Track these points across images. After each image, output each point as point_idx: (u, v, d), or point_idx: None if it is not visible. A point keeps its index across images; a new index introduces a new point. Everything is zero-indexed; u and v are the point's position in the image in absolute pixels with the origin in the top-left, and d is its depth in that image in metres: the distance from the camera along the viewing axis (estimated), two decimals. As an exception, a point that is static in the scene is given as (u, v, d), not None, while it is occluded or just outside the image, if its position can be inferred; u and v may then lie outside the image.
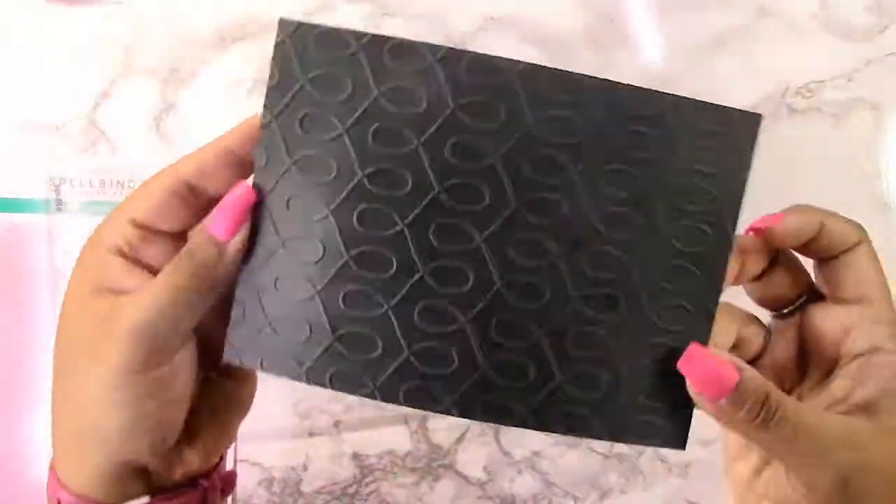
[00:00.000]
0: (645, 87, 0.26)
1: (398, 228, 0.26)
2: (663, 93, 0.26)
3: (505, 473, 0.49)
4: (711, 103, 0.26)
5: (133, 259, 0.27)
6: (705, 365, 0.25)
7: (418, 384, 0.26)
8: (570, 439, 0.49)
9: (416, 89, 0.26)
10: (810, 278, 0.29)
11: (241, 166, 0.27)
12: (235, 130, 0.28)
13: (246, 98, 0.49)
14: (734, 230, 0.26)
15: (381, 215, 0.26)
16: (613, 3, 0.52)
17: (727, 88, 0.51)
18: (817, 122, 0.51)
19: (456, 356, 0.26)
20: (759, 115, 0.26)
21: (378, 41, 0.26)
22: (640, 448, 0.49)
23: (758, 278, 0.29)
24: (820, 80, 0.51)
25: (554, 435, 0.49)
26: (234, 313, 0.27)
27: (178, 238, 0.28)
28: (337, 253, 0.26)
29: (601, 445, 0.49)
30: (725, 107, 0.26)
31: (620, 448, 0.49)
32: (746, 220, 0.28)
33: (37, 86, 0.49)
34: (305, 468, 0.48)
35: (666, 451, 0.49)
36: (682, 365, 0.26)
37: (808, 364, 0.29)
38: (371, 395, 0.27)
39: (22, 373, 0.48)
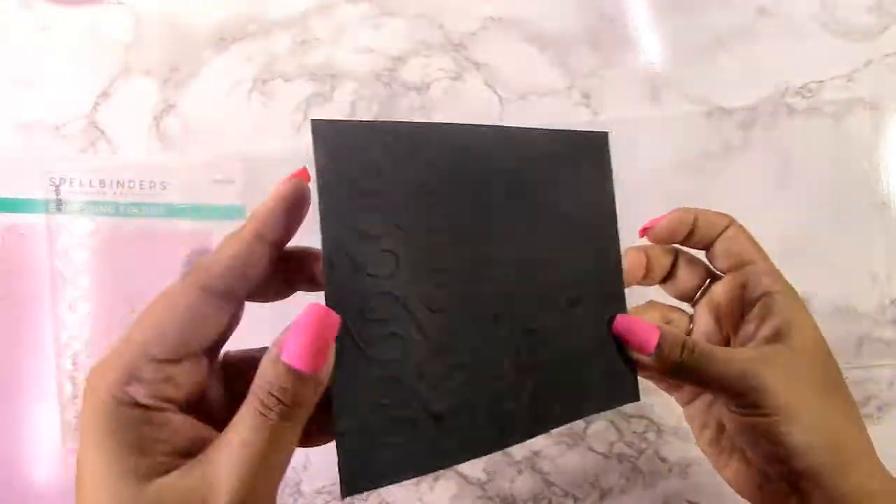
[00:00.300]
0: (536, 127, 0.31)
1: (473, 303, 0.28)
2: (560, 130, 0.32)
3: (505, 473, 0.49)
4: (584, 131, 0.33)
5: (175, 402, 0.23)
6: (634, 327, 0.32)
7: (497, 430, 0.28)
8: (570, 439, 0.49)
9: (461, 166, 0.28)
10: (707, 266, 0.35)
11: (274, 249, 0.25)
12: (261, 214, 0.24)
13: (246, 98, 0.49)
14: (616, 222, 0.33)
15: (457, 297, 0.27)
16: (613, 3, 0.52)
17: (727, 88, 0.51)
18: (817, 122, 0.51)
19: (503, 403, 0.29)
20: (607, 133, 0.34)
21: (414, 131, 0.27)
22: (640, 448, 0.49)
23: (667, 279, 0.35)
24: (820, 80, 0.51)
25: (554, 434, 0.49)
26: (339, 446, 0.24)
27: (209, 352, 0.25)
28: (437, 340, 0.27)
29: (601, 445, 0.49)
30: (590, 132, 0.33)
31: (620, 448, 0.49)
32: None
33: (37, 86, 0.49)
34: (305, 468, 0.48)
35: (666, 451, 0.49)
36: (617, 331, 0.32)
37: (727, 329, 0.34)
38: (498, 448, 0.28)
39: (22, 373, 0.48)
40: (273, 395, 0.22)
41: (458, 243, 0.27)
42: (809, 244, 0.49)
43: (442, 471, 0.49)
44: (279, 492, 0.51)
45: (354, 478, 0.24)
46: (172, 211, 0.48)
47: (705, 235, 0.33)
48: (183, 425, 0.23)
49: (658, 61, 0.51)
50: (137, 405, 0.22)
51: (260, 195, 0.48)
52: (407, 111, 0.50)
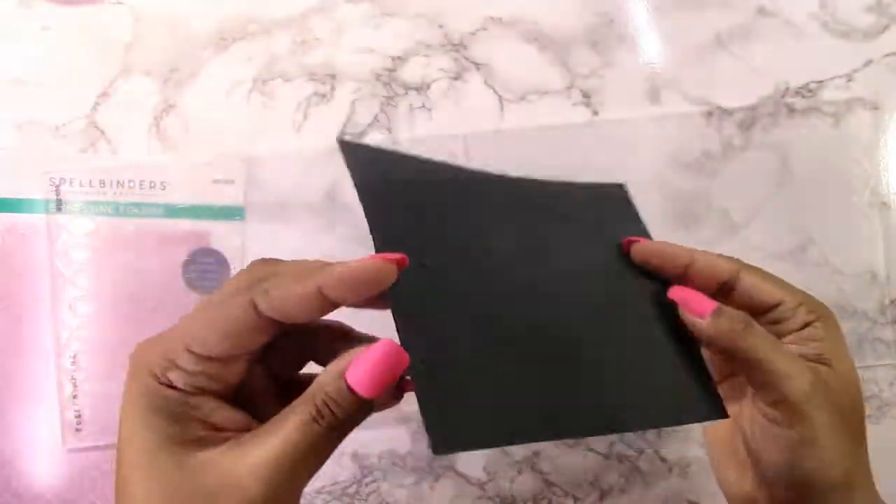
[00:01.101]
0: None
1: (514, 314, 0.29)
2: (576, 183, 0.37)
3: (505, 473, 0.49)
4: (600, 184, 0.37)
5: (211, 392, 0.24)
6: (692, 293, 0.30)
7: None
8: (570, 440, 0.49)
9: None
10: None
11: (329, 308, 0.25)
12: (330, 274, 0.24)
13: (246, 98, 0.49)
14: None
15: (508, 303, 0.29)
16: (613, 3, 0.52)
17: (727, 88, 0.51)
18: (817, 122, 0.51)
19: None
20: (622, 184, 0.37)
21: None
22: (639, 447, 0.49)
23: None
24: (820, 80, 0.51)
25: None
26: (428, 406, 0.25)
27: (251, 357, 0.26)
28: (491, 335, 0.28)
29: (601, 445, 0.49)
30: (606, 184, 0.38)
31: (620, 448, 0.49)
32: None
33: (37, 86, 0.49)
34: (305, 468, 0.48)
35: (665, 451, 0.49)
36: (674, 296, 0.30)
37: None
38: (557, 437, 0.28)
39: (22, 373, 0.48)
40: (328, 407, 0.23)
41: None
42: (809, 244, 0.49)
43: (442, 470, 0.49)
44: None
45: (440, 438, 0.25)
46: (172, 211, 0.48)
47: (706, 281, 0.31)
48: (220, 409, 0.24)
49: (658, 61, 0.51)
50: (176, 388, 0.23)
51: (260, 195, 0.49)
52: (407, 111, 0.50)
